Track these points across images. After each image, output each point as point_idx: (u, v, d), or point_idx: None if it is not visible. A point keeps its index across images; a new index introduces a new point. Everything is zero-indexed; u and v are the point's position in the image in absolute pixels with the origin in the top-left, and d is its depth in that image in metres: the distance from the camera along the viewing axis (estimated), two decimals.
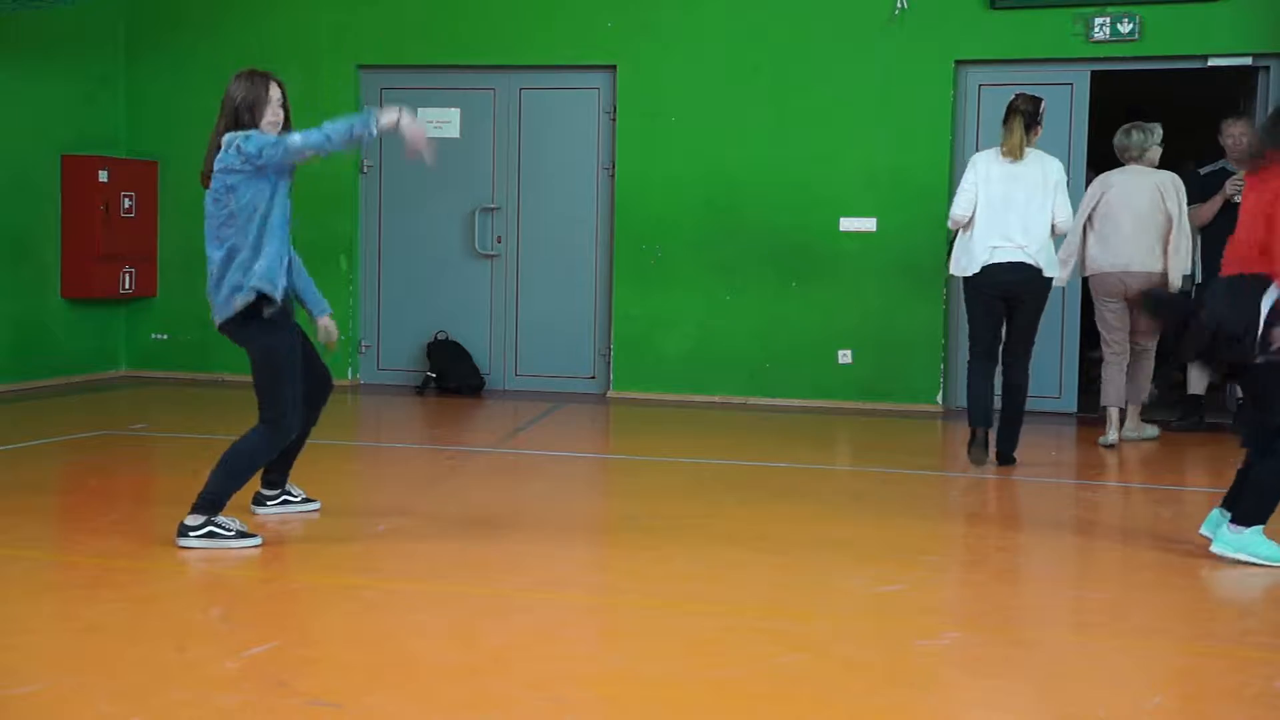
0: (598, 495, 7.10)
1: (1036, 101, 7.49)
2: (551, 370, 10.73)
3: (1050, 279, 7.43)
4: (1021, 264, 7.31)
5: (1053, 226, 7.39)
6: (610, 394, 10.48)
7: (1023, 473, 7.60)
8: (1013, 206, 7.32)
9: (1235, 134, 8.87)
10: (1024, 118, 7.39)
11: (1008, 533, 5.84)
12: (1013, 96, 7.58)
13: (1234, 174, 8.76)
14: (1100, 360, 8.52)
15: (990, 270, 7.35)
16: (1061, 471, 7.76)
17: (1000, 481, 7.28)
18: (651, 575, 4.96)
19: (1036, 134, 7.45)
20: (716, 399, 10.29)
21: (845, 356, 10.09)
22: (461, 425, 9.23)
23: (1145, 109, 9.79)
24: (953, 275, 7.72)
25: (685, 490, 6.80)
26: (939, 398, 9.95)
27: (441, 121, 10.82)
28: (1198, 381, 9.06)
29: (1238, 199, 8.52)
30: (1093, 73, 9.74)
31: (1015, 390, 7.52)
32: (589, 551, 5.68)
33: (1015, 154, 7.38)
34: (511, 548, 5.40)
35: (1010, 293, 7.36)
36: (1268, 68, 9.55)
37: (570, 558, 5.40)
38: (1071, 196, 7.80)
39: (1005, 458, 7.57)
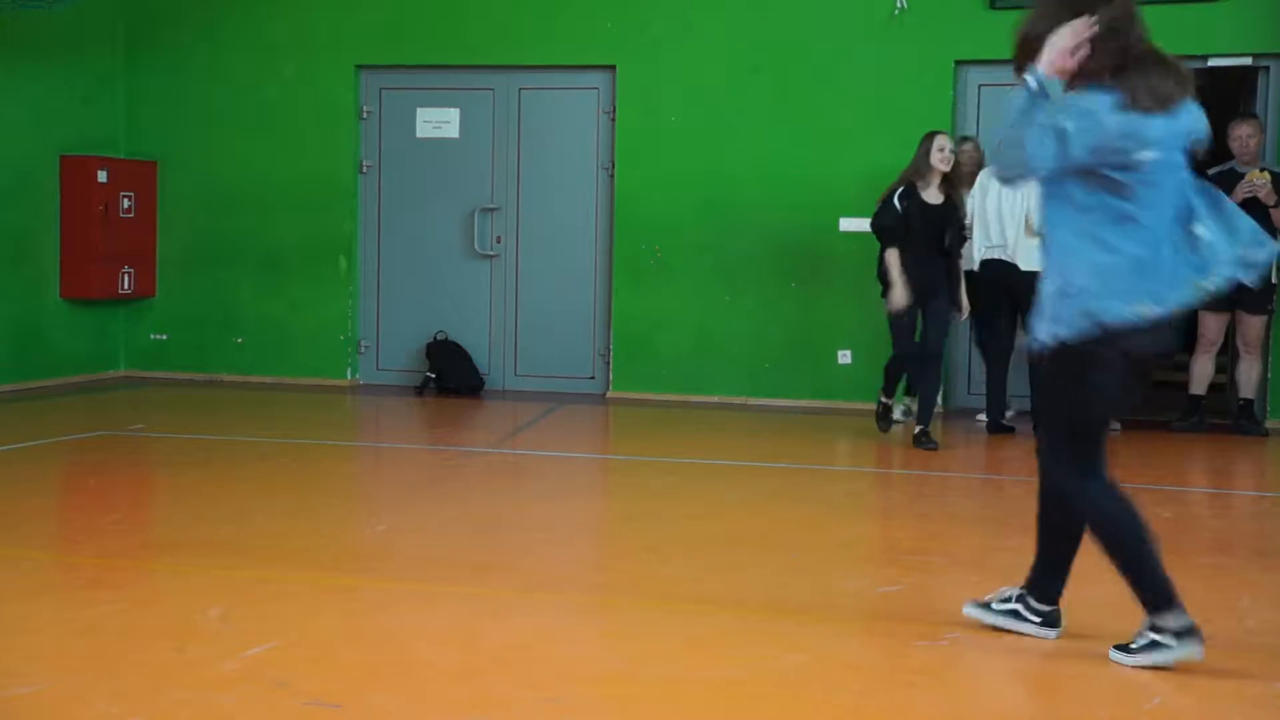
0: (597, 495, 7.10)
1: None
2: (551, 370, 10.73)
3: (1031, 272, 8.32)
4: (1001, 261, 8.56)
5: (1028, 226, 8.42)
6: (610, 394, 10.47)
7: (1023, 473, 7.60)
8: (995, 213, 8.56)
9: (1242, 135, 8.87)
10: None
11: (1007, 532, 5.83)
12: None
13: (1243, 174, 8.75)
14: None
15: (984, 265, 8.64)
16: None
17: (1000, 482, 7.28)
18: (651, 575, 4.95)
19: None
20: (716, 399, 10.29)
21: (845, 357, 10.09)
22: (461, 425, 9.23)
23: None
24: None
25: (685, 490, 6.80)
26: (939, 398, 9.94)
27: (441, 122, 10.82)
28: (1199, 381, 9.06)
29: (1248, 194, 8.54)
30: None
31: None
32: (589, 551, 5.67)
33: None
34: (511, 548, 5.40)
35: (1003, 284, 8.54)
36: (1268, 68, 9.55)
37: (570, 558, 5.40)
38: None
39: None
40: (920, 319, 8.12)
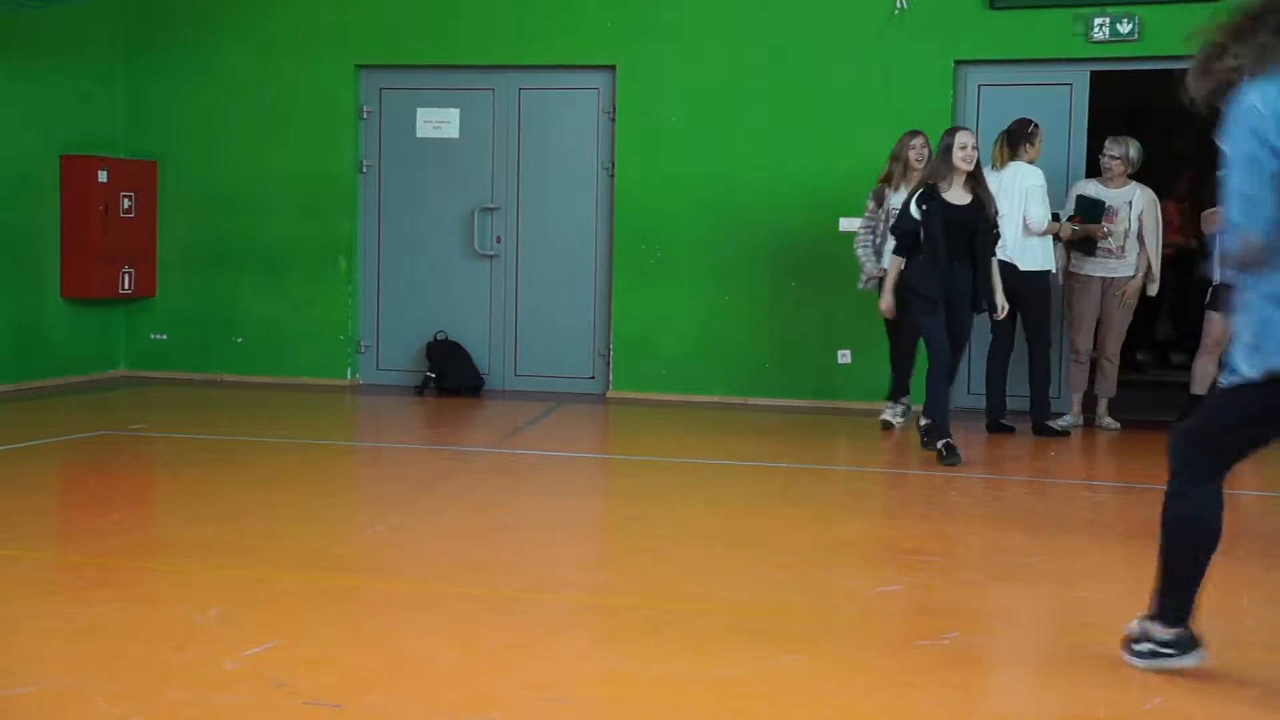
0: (597, 495, 7.10)
1: (1025, 123, 8.73)
2: (551, 370, 10.72)
3: (1030, 272, 8.59)
4: (1000, 261, 8.13)
5: (1026, 227, 8.54)
6: (610, 394, 10.47)
7: (1023, 472, 7.61)
8: None
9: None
10: (1008, 136, 8.71)
11: (1007, 533, 5.84)
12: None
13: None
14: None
15: None
16: (1061, 472, 7.76)
17: (1000, 482, 7.28)
18: (651, 575, 4.95)
19: (1026, 150, 8.69)
20: (716, 399, 10.28)
21: (845, 356, 10.08)
22: (461, 425, 9.23)
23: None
24: None
25: (685, 490, 6.80)
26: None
27: (441, 122, 10.82)
28: (1201, 382, 9.04)
29: None
30: (1092, 73, 9.73)
31: (1037, 375, 8.79)
32: (589, 551, 5.67)
33: (994, 166, 8.64)
34: (511, 547, 5.40)
35: (1003, 285, 8.05)
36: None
37: (570, 558, 5.40)
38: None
39: (1036, 426, 8.72)
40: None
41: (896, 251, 7.81)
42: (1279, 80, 3.51)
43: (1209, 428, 3.76)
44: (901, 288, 7.88)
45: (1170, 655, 3.82)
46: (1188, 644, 3.82)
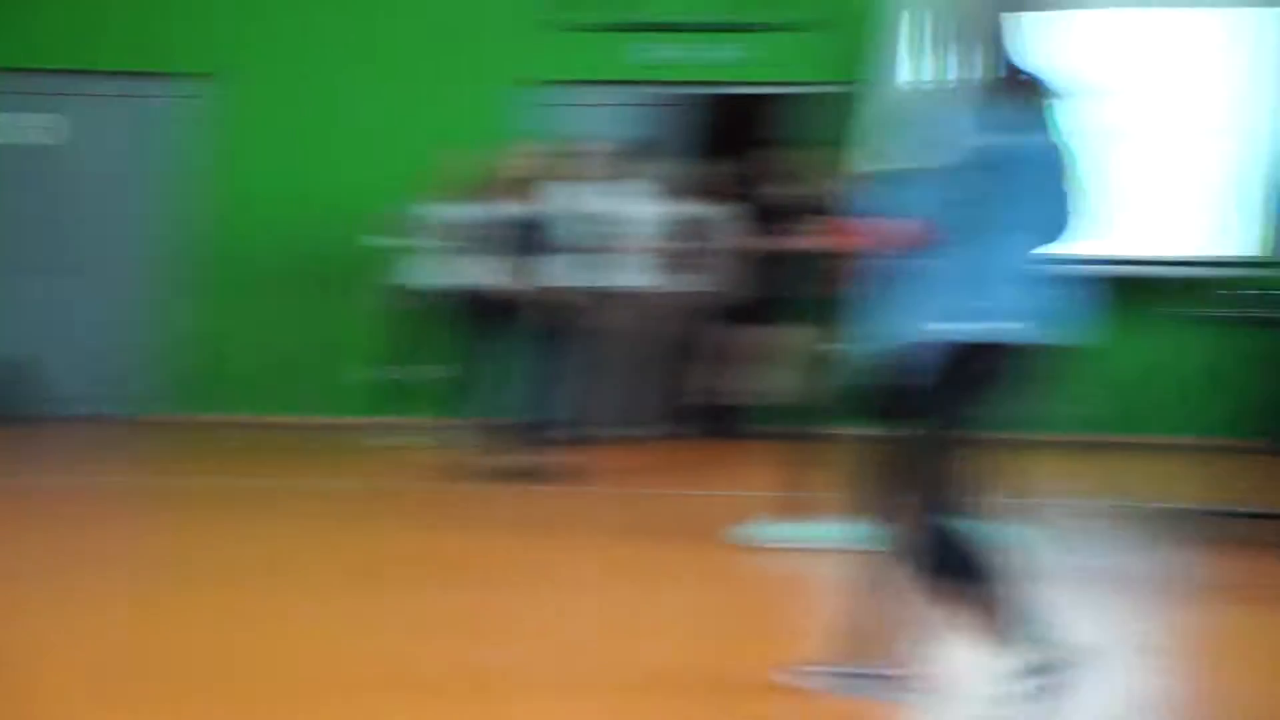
0: (91, 526, 6.49)
1: (606, 143, 8.93)
2: (111, 392, 10.15)
3: (587, 289, 8.30)
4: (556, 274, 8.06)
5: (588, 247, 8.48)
6: (174, 416, 10.03)
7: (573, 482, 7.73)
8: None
9: (787, 162, 9.34)
10: (584, 157, 8.77)
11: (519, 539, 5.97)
12: None
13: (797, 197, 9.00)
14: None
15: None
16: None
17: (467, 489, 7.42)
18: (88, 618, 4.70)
19: (597, 170, 8.75)
20: (291, 419, 10.02)
21: (404, 372, 9.79)
22: (15, 456, 8.68)
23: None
24: None
25: (174, 519, 6.67)
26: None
27: (21, 128, 10.32)
28: (733, 394, 9.36)
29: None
30: (658, 96, 10.05)
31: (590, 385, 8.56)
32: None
33: (572, 184, 8.37)
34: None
35: (569, 301, 8.01)
36: (833, 94, 9.36)
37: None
38: None
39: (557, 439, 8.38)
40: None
41: (511, 257, 7.80)
42: None
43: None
44: (480, 298, 7.89)
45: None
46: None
